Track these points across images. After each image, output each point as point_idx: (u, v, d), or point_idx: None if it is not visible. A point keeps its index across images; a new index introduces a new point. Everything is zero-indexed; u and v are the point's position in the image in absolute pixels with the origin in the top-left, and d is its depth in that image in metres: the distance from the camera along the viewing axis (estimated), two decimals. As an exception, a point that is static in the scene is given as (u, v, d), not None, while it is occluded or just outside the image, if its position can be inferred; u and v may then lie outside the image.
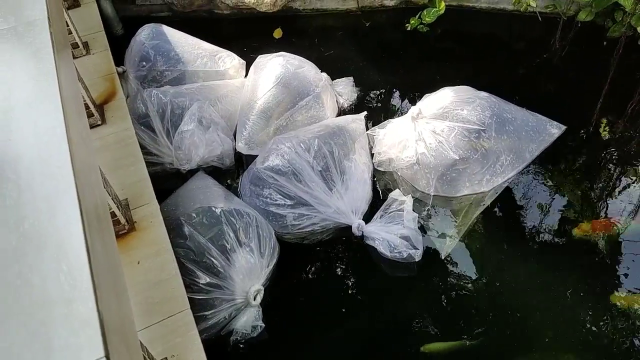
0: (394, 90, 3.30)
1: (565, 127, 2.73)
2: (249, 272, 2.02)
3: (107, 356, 0.57)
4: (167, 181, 2.62)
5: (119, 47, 3.24)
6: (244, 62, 3.28)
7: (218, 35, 3.55)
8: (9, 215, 0.74)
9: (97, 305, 0.60)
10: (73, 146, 0.83)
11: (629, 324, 2.10)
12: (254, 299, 2.01)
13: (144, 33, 3.15)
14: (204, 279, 1.89)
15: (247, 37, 3.77)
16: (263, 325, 2.05)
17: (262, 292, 2.05)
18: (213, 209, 2.06)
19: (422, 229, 2.44)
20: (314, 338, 2.18)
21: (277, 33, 3.77)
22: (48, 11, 1.21)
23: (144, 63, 3.05)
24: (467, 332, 2.13)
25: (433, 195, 2.54)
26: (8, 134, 0.87)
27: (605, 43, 3.30)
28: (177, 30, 3.24)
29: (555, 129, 2.70)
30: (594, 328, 2.10)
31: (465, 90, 2.71)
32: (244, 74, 3.25)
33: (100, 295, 0.62)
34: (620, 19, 3.32)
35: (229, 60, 3.24)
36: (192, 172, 2.66)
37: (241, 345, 2.05)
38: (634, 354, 2.02)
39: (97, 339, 0.58)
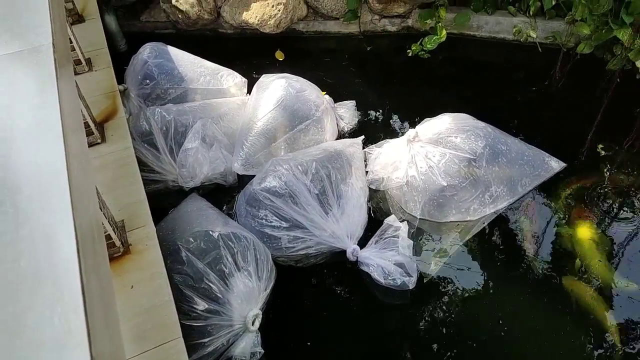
0: (395, 114, 3.32)
1: (565, 164, 2.72)
2: (247, 297, 2.01)
3: (98, 407, 0.56)
4: (170, 199, 2.62)
5: (122, 63, 3.26)
6: (246, 80, 3.31)
7: (221, 54, 3.58)
8: (7, 252, 0.73)
9: (90, 352, 0.59)
10: (72, 180, 0.83)
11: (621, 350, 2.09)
12: (252, 324, 1.99)
13: (147, 51, 3.17)
14: (202, 305, 1.87)
15: (250, 57, 3.80)
16: (262, 351, 2.03)
17: (260, 316, 2.03)
18: (210, 232, 2.05)
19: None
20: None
21: (279, 55, 3.80)
22: (53, 37, 1.22)
23: (148, 81, 3.07)
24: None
25: (420, 219, 2.56)
26: (8, 163, 0.87)
27: (619, 80, 3.30)
28: (178, 49, 3.27)
29: (553, 165, 2.71)
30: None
31: (463, 118, 2.73)
32: (246, 91, 3.28)
33: (94, 340, 0.61)
34: (618, 52, 3.37)
35: (231, 79, 3.27)
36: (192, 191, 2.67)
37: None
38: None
39: (89, 388, 0.57)
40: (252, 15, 3.69)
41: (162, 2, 3.86)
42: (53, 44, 1.13)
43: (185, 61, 3.25)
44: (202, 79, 3.19)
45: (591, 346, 2.13)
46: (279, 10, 3.65)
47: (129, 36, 3.98)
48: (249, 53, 3.86)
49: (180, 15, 3.81)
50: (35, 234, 0.75)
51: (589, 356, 2.11)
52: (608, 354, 2.11)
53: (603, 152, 2.91)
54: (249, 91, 3.23)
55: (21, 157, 0.88)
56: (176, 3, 3.74)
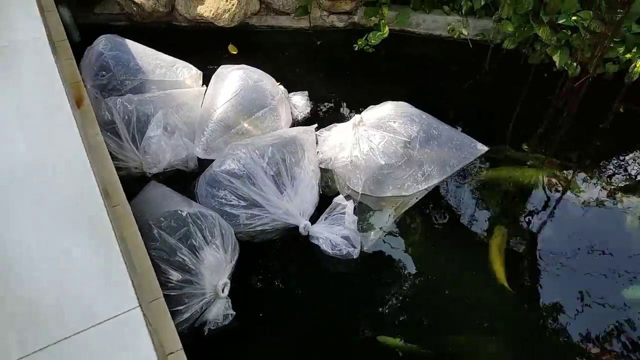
0: (343, 103, 3.62)
1: (488, 148, 3.13)
2: (216, 268, 2.24)
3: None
4: (133, 185, 2.78)
5: (76, 55, 3.33)
6: (201, 72, 3.48)
7: (176, 46, 3.70)
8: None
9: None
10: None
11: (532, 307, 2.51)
12: (222, 291, 2.24)
13: (102, 43, 3.25)
14: (176, 276, 2.09)
15: (204, 50, 3.97)
16: (234, 313, 2.29)
17: (229, 284, 2.28)
18: (179, 212, 2.27)
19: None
20: (276, 325, 2.47)
21: (232, 49, 3.99)
22: (46, 29, 1.40)
23: (104, 73, 3.16)
24: (402, 320, 2.46)
25: (362, 194, 2.90)
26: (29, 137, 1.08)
27: (548, 75, 3.73)
28: (133, 42, 3.37)
29: (478, 148, 3.11)
30: (509, 307, 2.52)
31: (403, 106, 3.08)
32: (201, 83, 3.45)
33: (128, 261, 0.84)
34: (538, 48, 3.81)
35: (187, 71, 3.42)
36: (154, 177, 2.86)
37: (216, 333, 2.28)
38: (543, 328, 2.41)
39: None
40: (207, 9, 3.87)
41: (117, -6, 3.96)
42: (47, 34, 1.33)
43: (141, 53, 3.36)
44: (158, 71, 3.31)
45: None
46: (233, 5, 3.84)
47: (83, 28, 4.03)
48: (204, 46, 4.03)
49: (135, 8, 3.92)
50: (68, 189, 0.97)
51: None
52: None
53: (525, 146, 3.33)
54: (204, 83, 3.41)
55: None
56: (131, -4, 3.85)
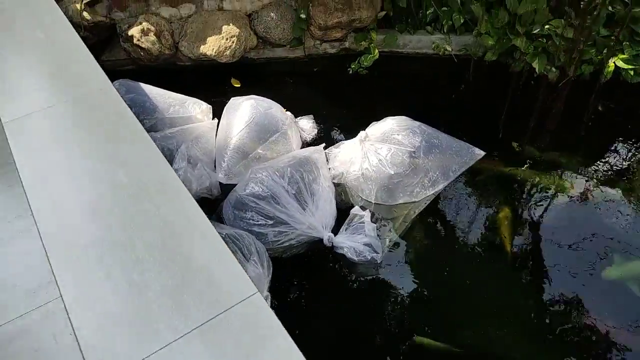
0: (345, 122, 3.89)
1: (484, 152, 3.40)
2: (257, 282, 2.44)
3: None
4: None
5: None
6: (210, 106, 3.74)
7: (182, 84, 3.95)
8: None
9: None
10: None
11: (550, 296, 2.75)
12: (266, 303, 2.44)
13: (116, 88, 3.50)
14: (226, 292, 2.29)
15: (209, 85, 4.23)
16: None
17: (269, 296, 2.48)
18: (218, 232, 2.48)
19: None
20: (313, 330, 2.65)
21: (235, 82, 4.27)
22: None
23: (123, 115, 3.41)
24: (428, 317, 2.67)
25: (375, 203, 3.14)
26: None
27: (533, 82, 4.04)
28: (144, 84, 3.65)
29: (476, 153, 3.38)
30: (527, 302, 2.74)
31: (403, 120, 3.35)
32: (211, 117, 3.70)
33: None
34: (518, 57, 4.13)
35: (197, 106, 3.68)
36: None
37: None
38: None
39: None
40: (210, 48, 4.15)
41: (123, 42, 4.22)
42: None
43: (153, 94, 3.63)
44: (171, 109, 3.58)
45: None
46: (233, 42, 4.13)
47: (93, 75, 4.26)
48: (208, 82, 4.29)
49: (142, 53, 4.18)
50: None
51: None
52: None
53: (516, 146, 3.61)
54: (214, 116, 3.66)
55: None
56: (138, 42, 4.11)
